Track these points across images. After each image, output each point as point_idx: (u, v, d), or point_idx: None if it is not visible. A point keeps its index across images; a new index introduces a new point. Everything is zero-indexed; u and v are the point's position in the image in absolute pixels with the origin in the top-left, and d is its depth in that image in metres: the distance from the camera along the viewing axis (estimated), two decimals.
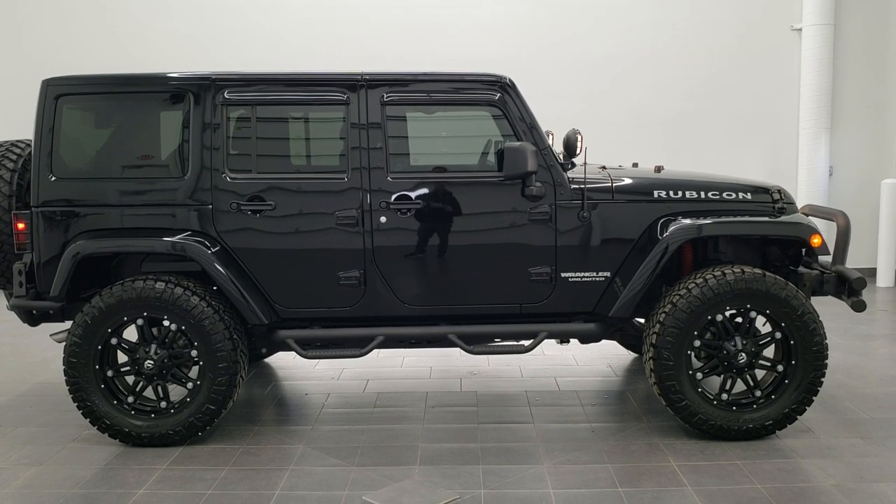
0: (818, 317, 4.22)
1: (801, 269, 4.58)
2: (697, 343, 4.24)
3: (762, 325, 4.30)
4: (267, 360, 6.07)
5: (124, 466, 4.08)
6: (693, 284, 4.20)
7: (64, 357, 4.24)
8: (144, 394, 4.40)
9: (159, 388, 4.35)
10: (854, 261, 4.68)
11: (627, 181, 4.48)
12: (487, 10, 9.57)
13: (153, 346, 4.28)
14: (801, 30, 9.50)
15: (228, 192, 4.30)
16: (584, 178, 4.38)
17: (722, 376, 4.32)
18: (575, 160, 4.61)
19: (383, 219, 4.32)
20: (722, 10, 9.58)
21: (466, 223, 4.36)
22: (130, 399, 4.32)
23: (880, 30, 9.61)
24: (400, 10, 9.55)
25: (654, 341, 4.22)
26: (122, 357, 4.40)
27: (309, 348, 4.48)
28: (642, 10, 9.58)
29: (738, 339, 4.25)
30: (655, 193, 4.43)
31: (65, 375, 4.24)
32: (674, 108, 9.59)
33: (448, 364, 5.97)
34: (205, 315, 4.18)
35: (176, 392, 4.54)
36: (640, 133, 9.47)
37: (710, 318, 4.20)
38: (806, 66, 9.46)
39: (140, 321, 4.25)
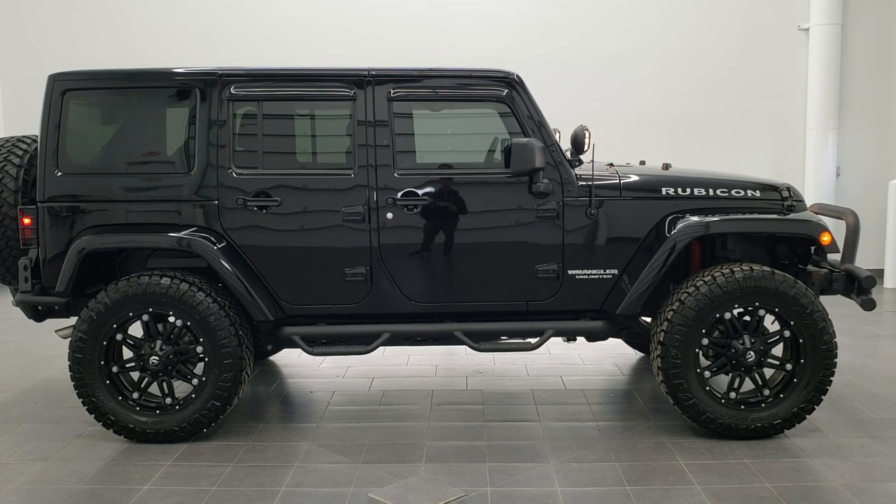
0: (827, 315, 4.19)
1: (811, 267, 4.55)
2: (705, 341, 4.21)
3: (771, 323, 4.27)
4: (272, 357, 6.05)
5: (129, 462, 4.06)
6: (701, 282, 4.17)
7: (69, 353, 4.23)
8: (149, 390, 4.39)
9: (164, 385, 4.33)
10: (861, 262, 4.64)
11: (635, 178, 4.46)
12: (493, 10, 9.56)
13: (158, 342, 4.27)
14: (808, 29, 9.46)
15: (234, 189, 4.28)
16: (592, 175, 4.36)
17: (730, 375, 4.29)
18: (582, 157, 4.59)
19: (390, 215, 4.30)
20: (729, 10, 9.56)
21: (473, 220, 4.34)
22: (135, 395, 4.31)
23: (888, 29, 9.57)
24: (405, 10, 9.56)
25: (661, 339, 4.19)
26: (127, 353, 4.39)
27: (315, 345, 4.46)
28: (649, 10, 9.56)
29: (746, 337, 4.22)
30: (663, 191, 4.40)
31: (70, 371, 4.23)
32: (680, 107, 9.57)
33: (453, 362, 5.95)
34: (210, 311, 4.17)
35: (181, 388, 4.53)
36: (647, 133, 9.44)
37: (718, 316, 4.17)
38: (813, 66, 9.43)
39: (145, 317, 4.24)
